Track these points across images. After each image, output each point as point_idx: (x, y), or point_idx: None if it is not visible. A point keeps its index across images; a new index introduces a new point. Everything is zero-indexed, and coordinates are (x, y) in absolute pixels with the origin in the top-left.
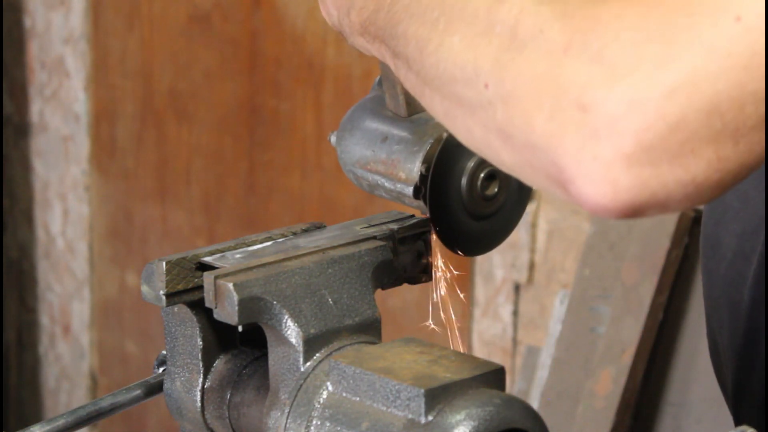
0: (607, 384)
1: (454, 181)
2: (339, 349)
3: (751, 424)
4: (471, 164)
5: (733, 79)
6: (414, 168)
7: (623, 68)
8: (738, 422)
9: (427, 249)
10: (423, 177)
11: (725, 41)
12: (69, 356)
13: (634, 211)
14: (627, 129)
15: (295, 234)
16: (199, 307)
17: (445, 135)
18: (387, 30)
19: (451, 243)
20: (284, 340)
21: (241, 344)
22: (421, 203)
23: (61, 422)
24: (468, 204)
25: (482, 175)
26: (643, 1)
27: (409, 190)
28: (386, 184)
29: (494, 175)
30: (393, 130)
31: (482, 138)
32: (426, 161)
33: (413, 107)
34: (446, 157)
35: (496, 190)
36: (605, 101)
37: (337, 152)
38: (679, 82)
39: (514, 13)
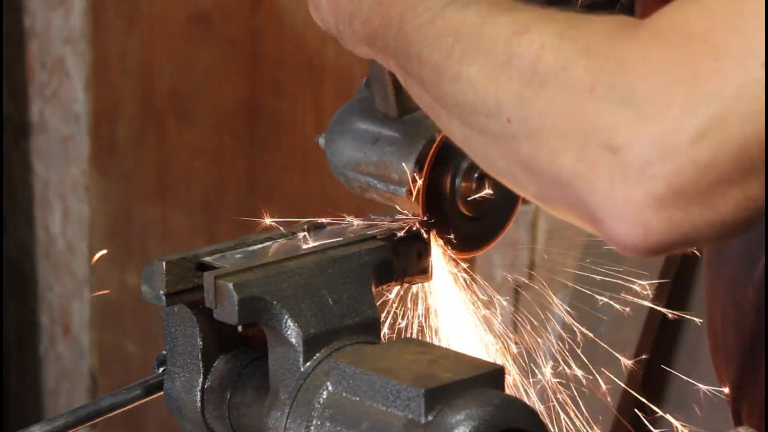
0: (608, 384)
1: (448, 181)
2: (339, 349)
3: (750, 424)
4: (464, 165)
5: (760, 122)
6: (407, 169)
7: (652, 112)
8: (737, 421)
9: (427, 249)
10: (416, 178)
11: (752, 86)
12: (69, 356)
13: (664, 250)
14: (658, 173)
15: (295, 234)
16: (199, 307)
17: (437, 135)
18: (398, 49)
19: (446, 243)
20: (284, 340)
21: (240, 344)
22: (414, 204)
23: (61, 422)
24: (462, 204)
25: (476, 175)
26: (668, 42)
27: (403, 191)
28: (378, 186)
29: (487, 175)
30: (384, 131)
31: (505, 168)
32: (419, 162)
33: (404, 108)
34: (439, 158)
35: (489, 190)
36: (635, 145)
37: (326, 155)
38: (708, 126)
39: (534, 48)
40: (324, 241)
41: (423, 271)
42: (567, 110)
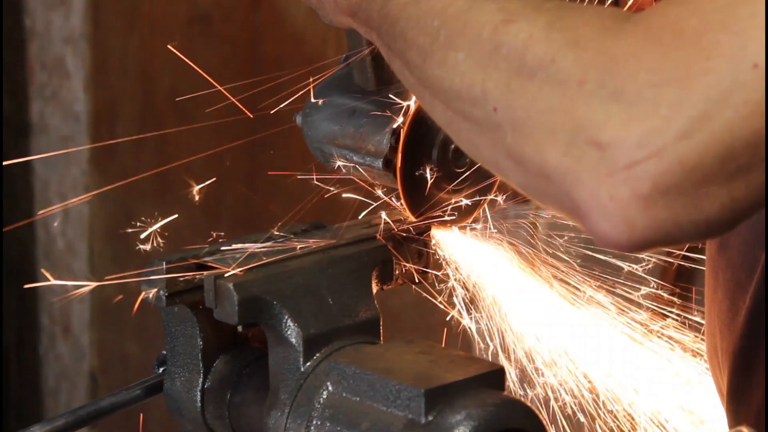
0: None
1: (424, 153)
2: (339, 349)
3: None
4: (441, 136)
5: (748, 125)
6: (383, 140)
7: (641, 110)
8: (734, 422)
9: (427, 249)
10: (392, 149)
11: (742, 88)
12: (69, 356)
13: (647, 247)
14: (645, 172)
15: (295, 234)
16: (199, 307)
17: (414, 107)
18: (383, 26)
19: (421, 215)
20: (284, 340)
21: (240, 344)
22: (390, 175)
23: (61, 422)
24: (438, 176)
25: (452, 146)
26: (660, 40)
27: (378, 163)
28: (354, 158)
29: None
30: (361, 104)
31: (490, 156)
32: (395, 133)
33: (381, 80)
34: (416, 129)
35: (466, 161)
36: (623, 143)
37: (303, 131)
38: (695, 127)
39: (522, 38)
40: (324, 242)
41: (423, 271)
42: (555, 103)
